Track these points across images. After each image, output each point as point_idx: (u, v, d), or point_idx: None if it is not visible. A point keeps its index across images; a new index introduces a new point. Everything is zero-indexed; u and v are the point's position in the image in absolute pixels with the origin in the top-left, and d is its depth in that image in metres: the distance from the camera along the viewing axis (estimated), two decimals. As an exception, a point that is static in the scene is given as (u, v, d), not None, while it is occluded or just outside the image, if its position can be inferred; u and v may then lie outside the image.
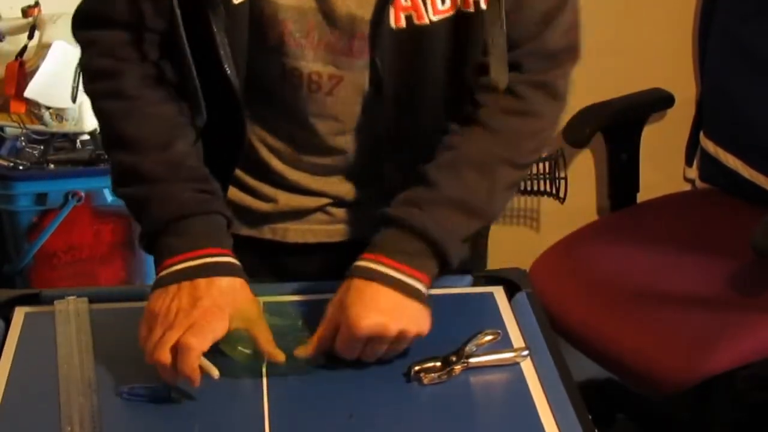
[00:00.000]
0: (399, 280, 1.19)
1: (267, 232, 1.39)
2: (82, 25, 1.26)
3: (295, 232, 1.38)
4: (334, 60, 1.24)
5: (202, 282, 1.15)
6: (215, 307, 1.13)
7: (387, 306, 1.17)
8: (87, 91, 1.28)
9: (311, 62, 1.24)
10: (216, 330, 1.13)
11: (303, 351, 1.19)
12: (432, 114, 1.29)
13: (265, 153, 1.34)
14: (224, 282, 1.16)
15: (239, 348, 1.17)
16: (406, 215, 1.22)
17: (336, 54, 1.23)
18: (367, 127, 1.30)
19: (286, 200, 1.36)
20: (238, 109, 1.26)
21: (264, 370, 1.18)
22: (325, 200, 1.36)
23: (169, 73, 1.24)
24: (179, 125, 1.24)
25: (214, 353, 1.17)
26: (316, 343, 1.19)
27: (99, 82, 1.25)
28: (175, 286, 1.15)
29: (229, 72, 1.21)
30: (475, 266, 1.40)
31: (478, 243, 1.47)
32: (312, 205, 1.36)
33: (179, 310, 1.13)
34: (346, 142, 1.31)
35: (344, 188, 1.36)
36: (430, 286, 1.22)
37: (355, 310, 1.16)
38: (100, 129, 1.28)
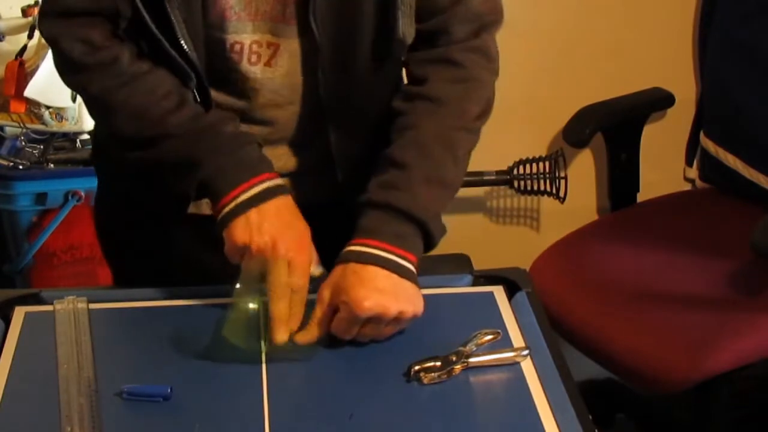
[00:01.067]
0: (394, 262, 1.22)
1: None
2: (56, 15, 1.27)
3: None
4: (271, 28, 1.27)
5: (272, 204, 1.23)
6: (293, 222, 1.24)
7: (386, 287, 1.20)
8: (74, 82, 1.32)
9: (251, 33, 1.27)
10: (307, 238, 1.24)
11: (303, 336, 1.20)
12: (366, 74, 1.31)
13: None
14: (289, 201, 1.25)
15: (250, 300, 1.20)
16: (391, 199, 1.25)
17: (273, 22, 1.27)
18: (306, 95, 1.32)
19: None
20: (203, 84, 1.28)
21: (263, 356, 1.20)
22: None
23: (145, 50, 1.27)
24: (179, 84, 1.28)
25: (215, 344, 1.19)
26: (316, 328, 1.20)
27: (90, 72, 1.27)
28: (254, 212, 1.22)
29: (186, 47, 1.24)
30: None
31: None
32: None
33: (274, 242, 1.20)
34: (286, 112, 1.34)
35: (281, 160, 1.37)
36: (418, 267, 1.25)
37: (357, 292, 1.18)
38: (100, 110, 1.31)
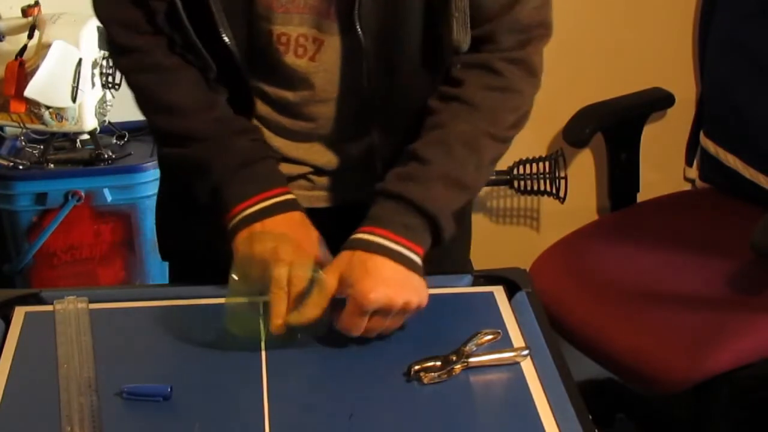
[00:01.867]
0: (400, 253, 1.22)
1: None
2: (105, 5, 1.33)
3: None
4: (317, 23, 1.28)
5: (278, 218, 1.27)
6: (298, 230, 1.27)
7: (391, 278, 1.20)
8: (118, 66, 1.38)
9: (297, 26, 1.28)
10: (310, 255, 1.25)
11: (298, 318, 1.20)
12: (411, 76, 1.32)
13: (254, 121, 1.37)
14: (296, 215, 1.29)
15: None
16: (404, 190, 1.25)
17: (319, 17, 1.28)
18: (348, 93, 1.33)
19: None
20: (241, 76, 1.31)
21: (263, 343, 1.21)
22: (306, 168, 1.40)
23: (178, 41, 1.30)
24: (214, 85, 1.32)
25: (217, 338, 1.20)
26: (313, 308, 1.20)
27: (130, 56, 1.32)
28: (258, 224, 1.26)
29: (227, 40, 1.27)
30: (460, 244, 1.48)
31: (463, 222, 1.50)
32: (294, 172, 1.40)
33: (274, 247, 1.23)
34: (329, 108, 1.35)
35: (325, 156, 1.39)
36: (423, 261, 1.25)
37: (363, 284, 1.19)
38: (138, 99, 1.36)
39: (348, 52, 1.29)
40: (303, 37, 1.29)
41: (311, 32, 1.29)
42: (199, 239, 1.43)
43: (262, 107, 1.36)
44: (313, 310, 1.20)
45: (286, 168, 1.38)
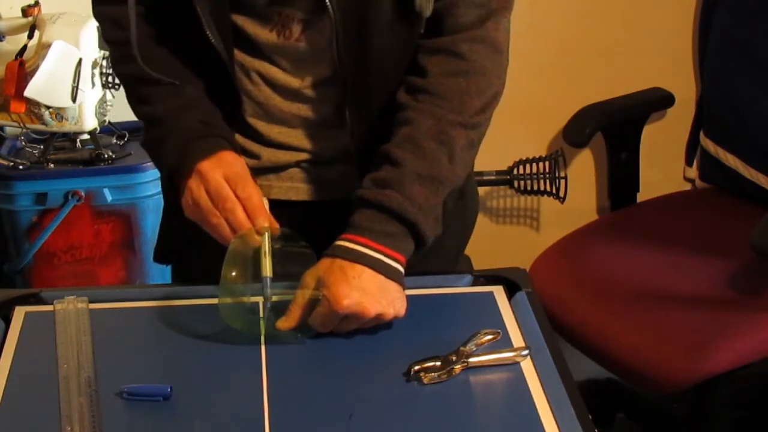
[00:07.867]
0: (382, 262, 1.23)
1: None
2: (97, 2, 1.38)
3: (279, 189, 1.42)
4: (296, 3, 1.29)
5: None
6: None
7: (370, 287, 1.21)
8: (110, 60, 1.46)
9: (281, 6, 1.30)
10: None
11: (285, 323, 1.22)
12: (387, 57, 1.31)
13: (249, 110, 1.39)
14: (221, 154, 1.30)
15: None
16: (382, 198, 1.25)
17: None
18: (331, 76, 1.33)
19: (268, 156, 1.41)
20: (227, 71, 1.33)
21: (263, 343, 1.22)
22: (302, 155, 1.40)
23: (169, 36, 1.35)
24: (185, 74, 1.34)
25: (215, 337, 1.18)
26: (297, 312, 1.22)
27: (114, 50, 1.38)
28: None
29: (212, 38, 1.29)
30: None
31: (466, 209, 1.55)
32: (291, 160, 1.40)
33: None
34: (316, 90, 1.35)
35: (316, 143, 1.39)
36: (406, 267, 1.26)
37: (339, 288, 1.20)
38: (124, 89, 1.40)
39: (328, 34, 1.29)
40: (288, 19, 1.30)
41: (294, 13, 1.29)
42: (203, 246, 1.44)
43: (257, 94, 1.37)
44: (297, 314, 1.22)
45: (282, 155, 1.40)
